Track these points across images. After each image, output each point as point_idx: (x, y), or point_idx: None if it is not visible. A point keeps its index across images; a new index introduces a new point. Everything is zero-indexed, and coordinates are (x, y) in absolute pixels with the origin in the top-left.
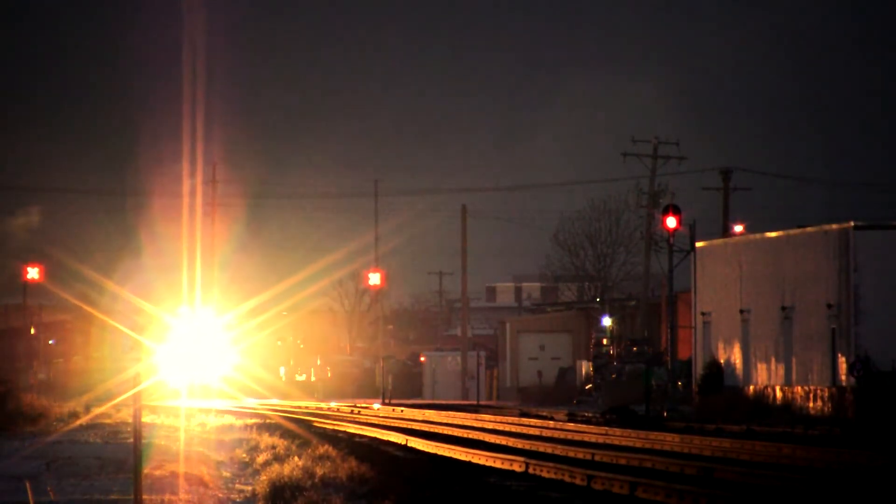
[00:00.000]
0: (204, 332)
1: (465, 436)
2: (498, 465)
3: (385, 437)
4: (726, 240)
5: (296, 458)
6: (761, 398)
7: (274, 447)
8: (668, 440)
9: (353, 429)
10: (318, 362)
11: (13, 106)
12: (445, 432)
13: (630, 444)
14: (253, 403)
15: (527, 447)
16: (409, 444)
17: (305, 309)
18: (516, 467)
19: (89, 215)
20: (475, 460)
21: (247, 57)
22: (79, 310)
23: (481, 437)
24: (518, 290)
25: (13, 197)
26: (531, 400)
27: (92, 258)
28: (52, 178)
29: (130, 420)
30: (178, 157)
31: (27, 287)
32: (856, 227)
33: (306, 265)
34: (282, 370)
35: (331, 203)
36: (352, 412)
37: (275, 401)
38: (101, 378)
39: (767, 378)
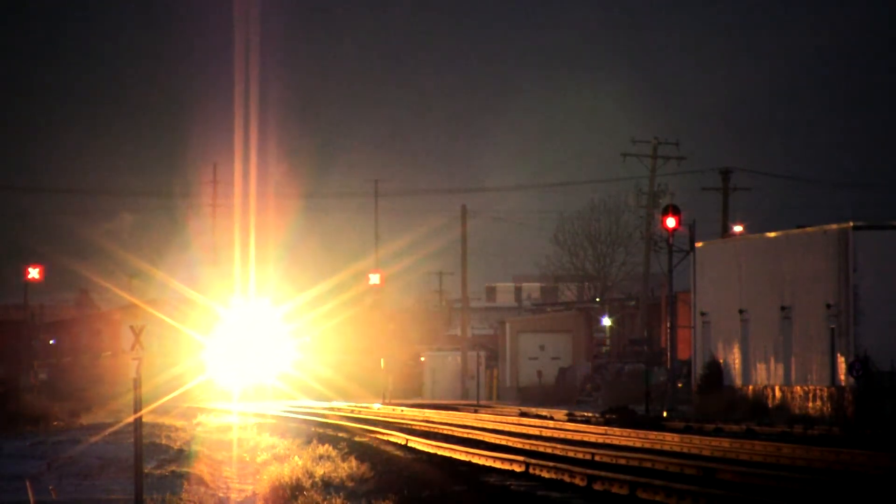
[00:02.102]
0: (258, 325)
1: (466, 435)
2: (498, 465)
3: (385, 437)
4: (726, 240)
5: (296, 458)
6: (761, 398)
7: (274, 447)
8: (668, 440)
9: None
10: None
11: (60, 108)
12: (445, 432)
13: (630, 443)
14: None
15: (527, 447)
16: (409, 444)
17: (362, 304)
18: (516, 467)
19: (138, 213)
20: (475, 460)
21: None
22: (126, 303)
23: (481, 437)
24: (518, 290)
25: (63, 198)
26: (531, 400)
27: (140, 250)
28: (100, 179)
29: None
30: (229, 155)
31: (27, 287)
32: (855, 227)
33: (356, 261)
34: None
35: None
36: (351, 412)
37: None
38: (149, 374)
39: (767, 378)
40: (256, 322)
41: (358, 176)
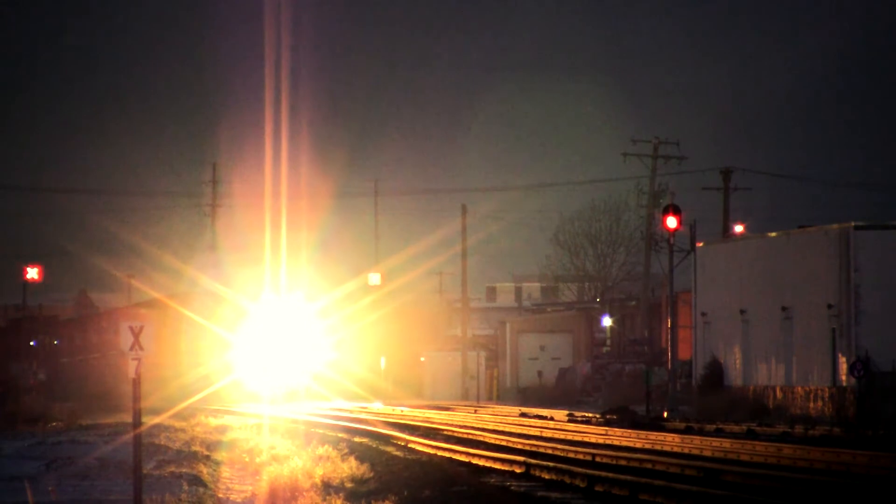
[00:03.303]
0: (289, 321)
1: (466, 436)
2: (498, 465)
3: (386, 437)
4: (727, 240)
5: (295, 459)
6: (761, 398)
7: (273, 448)
8: (669, 441)
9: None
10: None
11: (88, 111)
12: (446, 432)
13: (630, 444)
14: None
15: (527, 447)
16: (409, 445)
17: (402, 300)
18: (517, 468)
19: (165, 213)
20: (476, 461)
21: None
22: (159, 302)
23: (482, 437)
24: (518, 290)
25: (87, 199)
26: (531, 400)
27: (170, 248)
28: (127, 180)
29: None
30: (259, 157)
31: (26, 287)
32: (856, 227)
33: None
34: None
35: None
36: (352, 412)
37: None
38: (176, 373)
39: (768, 378)
40: (287, 318)
41: (361, 175)
